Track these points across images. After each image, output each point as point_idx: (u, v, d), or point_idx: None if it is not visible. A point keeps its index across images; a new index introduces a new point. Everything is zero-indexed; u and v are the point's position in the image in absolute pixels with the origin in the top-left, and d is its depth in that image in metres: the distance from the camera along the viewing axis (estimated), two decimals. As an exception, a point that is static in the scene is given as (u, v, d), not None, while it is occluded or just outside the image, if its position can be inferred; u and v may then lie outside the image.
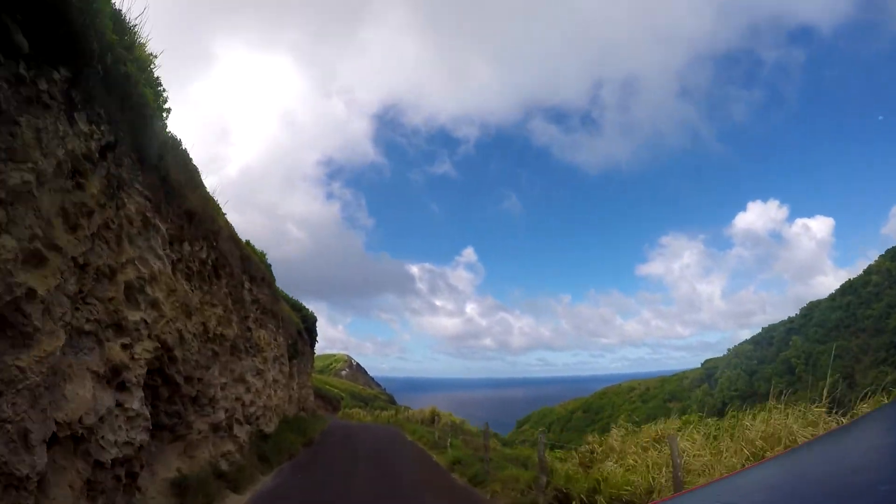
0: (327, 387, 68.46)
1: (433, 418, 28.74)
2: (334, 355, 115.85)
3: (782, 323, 75.28)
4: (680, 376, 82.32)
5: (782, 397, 6.93)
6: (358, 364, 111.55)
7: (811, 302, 76.20)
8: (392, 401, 73.86)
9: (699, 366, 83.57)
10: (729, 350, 76.98)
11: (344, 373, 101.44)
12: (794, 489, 1.78)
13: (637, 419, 10.70)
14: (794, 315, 75.39)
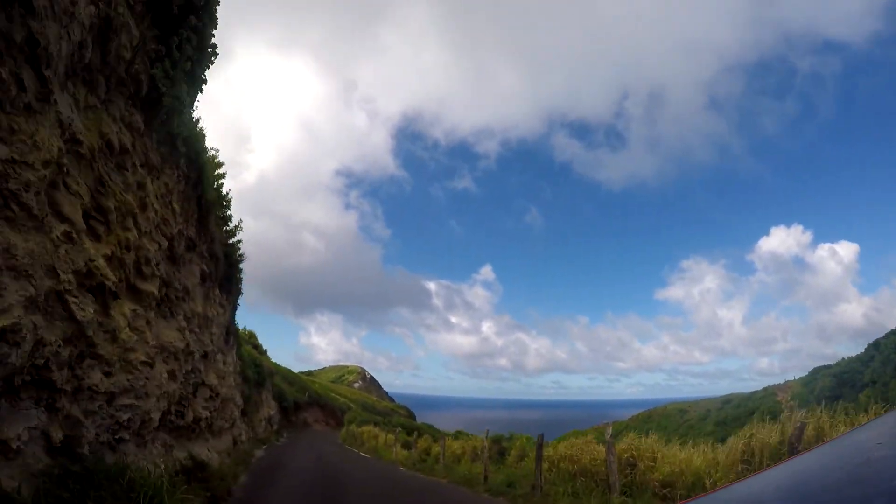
0: (332, 394, 57.37)
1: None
2: (347, 367, 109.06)
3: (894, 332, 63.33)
4: (768, 392, 70.05)
5: None
6: (372, 377, 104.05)
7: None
8: (412, 417, 63.64)
9: (745, 391, 71.09)
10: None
11: (357, 385, 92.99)
12: (804, 496, 1.75)
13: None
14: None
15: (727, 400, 75.32)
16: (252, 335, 41.56)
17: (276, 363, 50.18)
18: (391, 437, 24.61)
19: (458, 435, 20.89)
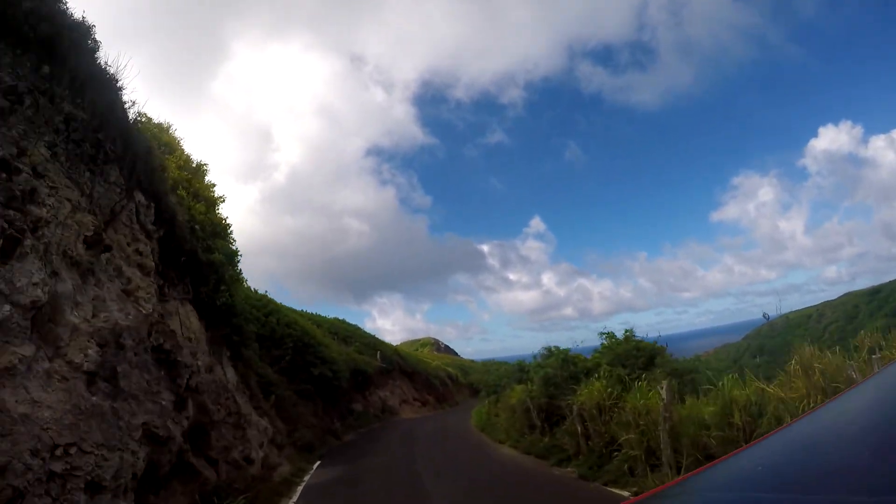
0: (421, 362, 45.82)
1: None
2: (419, 339, 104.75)
3: None
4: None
5: None
6: (447, 345, 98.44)
7: None
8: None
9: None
10: None
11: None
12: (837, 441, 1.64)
13: None
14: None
15: (875, 290, 62.51)
16: (202, 168, 14.45)
17: (312, 312, 33.53)
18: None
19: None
